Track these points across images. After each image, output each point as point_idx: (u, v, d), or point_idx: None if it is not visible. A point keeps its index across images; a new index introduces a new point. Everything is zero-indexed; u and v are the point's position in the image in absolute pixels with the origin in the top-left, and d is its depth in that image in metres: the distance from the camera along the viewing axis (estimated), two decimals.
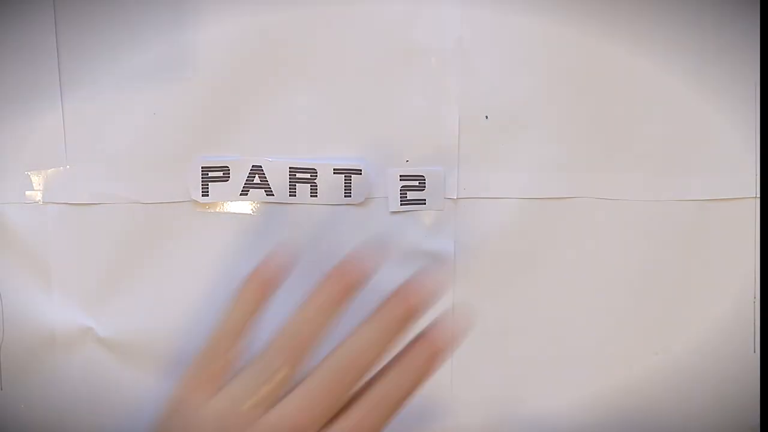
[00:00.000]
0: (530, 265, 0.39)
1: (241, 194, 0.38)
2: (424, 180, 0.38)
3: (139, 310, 0.39)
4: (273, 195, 0.38)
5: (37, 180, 0.38)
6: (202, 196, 0.38)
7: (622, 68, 0.38)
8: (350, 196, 0.38)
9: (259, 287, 0.32)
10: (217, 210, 0.39)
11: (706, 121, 0.38)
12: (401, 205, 0.38)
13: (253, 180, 0.38)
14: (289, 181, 0.38)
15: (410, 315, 0.31)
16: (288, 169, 0.38)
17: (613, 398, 0.40)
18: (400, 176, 0.38)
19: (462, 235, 0.38)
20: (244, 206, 0.39)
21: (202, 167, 0.38)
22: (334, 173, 0.38)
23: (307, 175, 0.38)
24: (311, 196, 0.38)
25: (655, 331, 0.39)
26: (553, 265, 0.39)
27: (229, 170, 0.38)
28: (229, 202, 0.38)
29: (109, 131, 0.38)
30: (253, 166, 0.38)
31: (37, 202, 0.38)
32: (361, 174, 0.38)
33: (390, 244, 0.38)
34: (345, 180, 0.38)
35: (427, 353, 0.31)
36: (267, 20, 0.37)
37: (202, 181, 0.38)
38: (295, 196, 0.38)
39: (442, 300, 0.38)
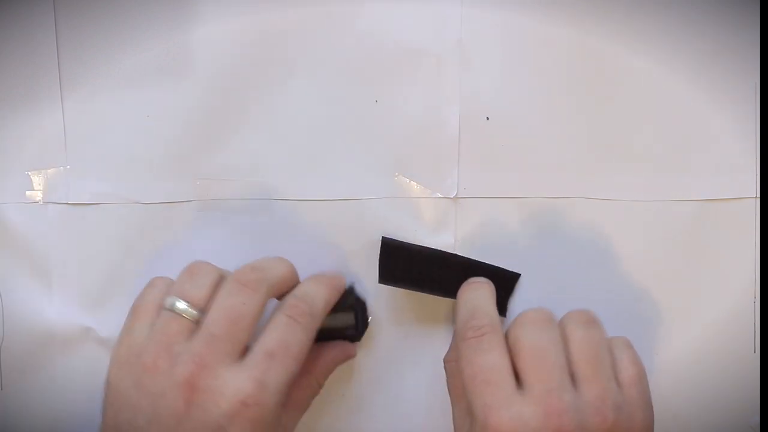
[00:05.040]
0: (529, 264, 0.39)
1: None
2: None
3: None
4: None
5: (37, 180, 0.38)
6: None
7: (621, 68, 0.37)
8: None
9: None
10: (217, 210, 0.39)
11: (706, 121, 0.38)
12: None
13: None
14: None
15: None
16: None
17: None
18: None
19: (462, 233, 0.38)
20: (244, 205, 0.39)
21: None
22: None
23: None
24: None
25: (655, 332, 0.39)
26: (552, 265, 0.39)
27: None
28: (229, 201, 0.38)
29: (109, 131, 0.38)
30: None
31: (37, 202, 0.38)
32: None
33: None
34: None
35: None
36: (267, 20, 0.37)
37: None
38: None
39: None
